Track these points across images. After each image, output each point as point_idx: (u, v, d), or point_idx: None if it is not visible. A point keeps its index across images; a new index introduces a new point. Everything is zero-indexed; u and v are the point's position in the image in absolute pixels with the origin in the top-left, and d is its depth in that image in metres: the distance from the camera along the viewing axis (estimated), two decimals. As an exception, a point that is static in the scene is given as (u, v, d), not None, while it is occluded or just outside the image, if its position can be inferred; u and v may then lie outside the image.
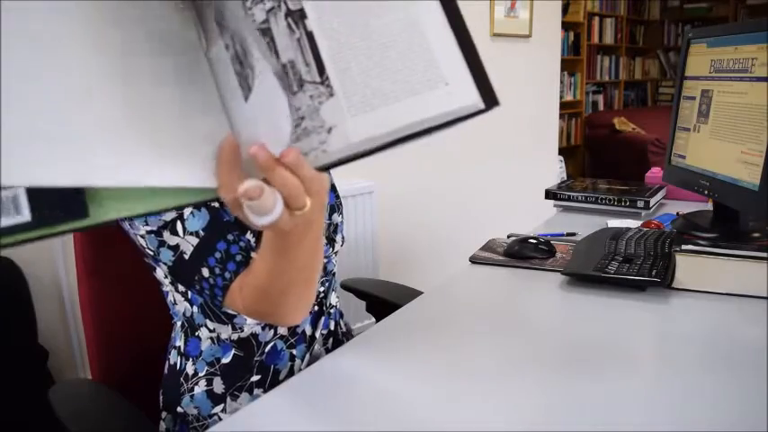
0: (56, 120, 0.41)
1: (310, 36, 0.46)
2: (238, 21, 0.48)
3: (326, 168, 0.48)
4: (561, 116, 4.19)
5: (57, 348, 1.80)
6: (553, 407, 0.65)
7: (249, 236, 0.79)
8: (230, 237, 0.77)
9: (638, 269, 0.97)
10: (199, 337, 0.86)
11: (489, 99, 0.43)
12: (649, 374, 0.72)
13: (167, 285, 0.85)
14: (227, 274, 0.76)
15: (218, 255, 0.76)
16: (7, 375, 1.55)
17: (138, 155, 0.44)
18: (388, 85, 0.44)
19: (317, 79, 0.46)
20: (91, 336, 1.00)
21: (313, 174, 0.48)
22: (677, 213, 1.29)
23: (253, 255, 0.77)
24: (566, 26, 4.56)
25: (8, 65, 0.40)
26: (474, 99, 0.42)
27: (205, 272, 0.77)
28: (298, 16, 0.46)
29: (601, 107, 5.54)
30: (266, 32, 0.47)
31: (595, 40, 5.26)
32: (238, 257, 0.76)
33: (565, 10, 4.70)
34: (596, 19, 5.24)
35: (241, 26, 0.48)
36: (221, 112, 0.50)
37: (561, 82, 4.40)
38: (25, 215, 0.40)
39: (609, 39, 5.42)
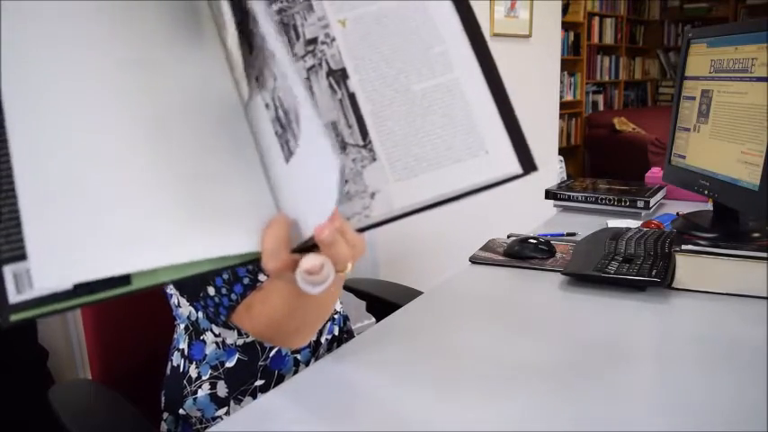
0: (95, 213, 0.39)
1: (353, 97, 0.45)
2: (284, 80, 0.46)
3: (365, 230, 0.47)
4: (561, 116, 4.19)
5: (57, 348, 1.80)
6: (553, 406, 0.65)
7: None
8: None
9: (638, 269, 0.97)
10: (204, 341, 0.86)
11: (528, 165, 0.43)
12: (649, 374, 0.72)
13: (171, 289, 0.85)
14: (233, 296, 0.76)
15: (225, 275, 0.76)
16: (7, 375, 1.55)
17: (181, 234, 0.42)
18: (430, 151, 0.44)
19: (360, 142, 0.45)
20: (91, 336, 1.00)
21: (356, 239, 0.47)
22: (677, 213, 1.29)
23: (261, 277, 0.77)
24: (566, 26, 4.56)
25: (45, 168, 0.38)
26: (514, 167, 0.43)
27: (211, 291, 0.77)
28: (339, 76, 0.45)
29: (601, 107, 5.54)
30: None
31: (595, 40, 5.26)
32: (246, 280, 0.77)
33: (565, 10, 4.70)
34: (596, 19, 5.24)
35: (288, 87, 0.46)
36: (261, 174, 0.48)
37: (561, 82, 4.39)
38: (66, 283, 0.38)
39: (609, 39, 5.42)
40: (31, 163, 0.39)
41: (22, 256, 0.37)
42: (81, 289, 0.38)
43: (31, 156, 0.39)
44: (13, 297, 0.36)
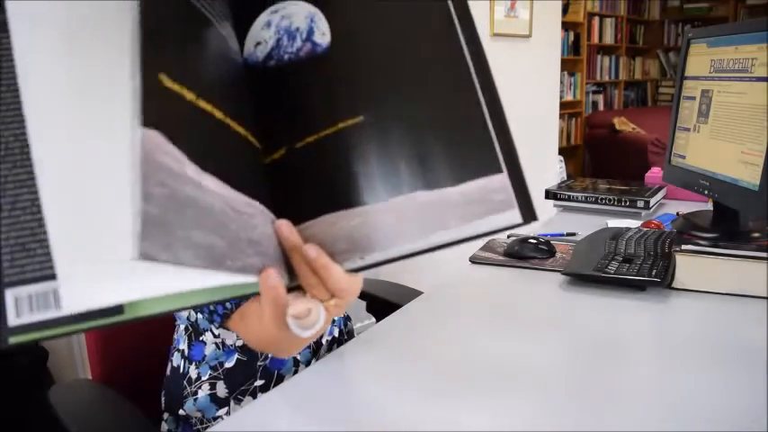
0: (104, 237, 0.39)
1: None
2: None
3: (359, 270, 0.47)
4: (561, 116, 4.19)
5: (57, 348, 1.80)
6: (553, 406, 0.65)
7: None
8: None
9: (638, 269, 0.97)
10: (203, 342, 0.86)
11: (528, 215, 0.44)
12: (649, 374, 0.72)
13: None
14: (227, 304, 0.76)
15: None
16: (7, 375, 1.55)
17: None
18: None
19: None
20: (91, 336, 1.00)
21: (343, 278, 0.47)
22: (677, 213, 1.29)
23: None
24: (566, 26, 4.56)
25: (59, 189, 0.38)
26: (515, 218, 0.43)
27: None
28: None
29: (601, 107, 5.54)
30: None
31: (595, 40, 5.26)
32: None
33: (565, 10, 4.70)
34: (596, 19, 5.24)
35: None
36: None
37: (561, 82, 4.39)
38: (63, 310, 0.38)
39: (609, 39, 5.42)
40: (59, 192, 0.39)
41: (24, 281, 0.37)
42: (76, 316, 0.38)
43: (59, 186, 0.39)
44: (13, 320, 0.37)
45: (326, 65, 0.47)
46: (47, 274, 0.37)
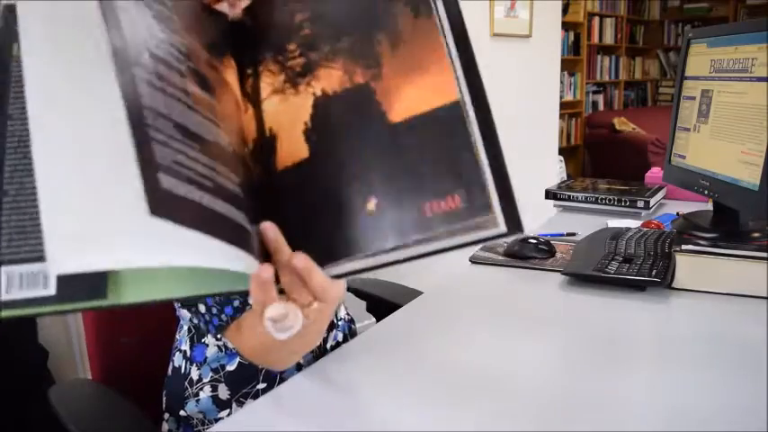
0: (92, 199, 0.40)
1: None
2: None
3: (341, 277, 0.48)
4: (561, 116, 4.19)
5: (57, 348, 1.80)
6: (553, 406, 0.65)
7: None
8: None
9: (638, 269, 0.97)
10: (205, 344, 0.86)
11: (514, 226, 0.44)
12: (649, 374, 0.72)
13: None
14: (223, 317, 0.77)
15: (216, 297, 0.76)
16: (8, 375, 1.55)
17: (174, 234, 0.41)
18: None
19: None
20: (91, 336, 1.00)
21: (326, 283, 0.48)
22: (677, 213, 1.29)
23: (251, 300, 0.78)
24: (566, 26, 4.56)
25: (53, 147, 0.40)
26: (500, 228, 0.44)
27: (202, 308, 0.78)
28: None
29: (601, 107, 5.54)
30: None
31: (595, 40, 5.26)
32: (236, 302, 0.77)
33: (565, 10, 4.70)
34: (596, 19, 5.24)
35: None
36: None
37: (561, 82, 4.39)
38: (50, 289, 0.40)
39: (609, 39, 5.42)
40: (48, 171, 0.40)
41: (17, 260, 0.40)
42: (62, 296, 0.40)
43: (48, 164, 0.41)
44: (3, 295, 0.39)
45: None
46: (38, 255, 0.40)
